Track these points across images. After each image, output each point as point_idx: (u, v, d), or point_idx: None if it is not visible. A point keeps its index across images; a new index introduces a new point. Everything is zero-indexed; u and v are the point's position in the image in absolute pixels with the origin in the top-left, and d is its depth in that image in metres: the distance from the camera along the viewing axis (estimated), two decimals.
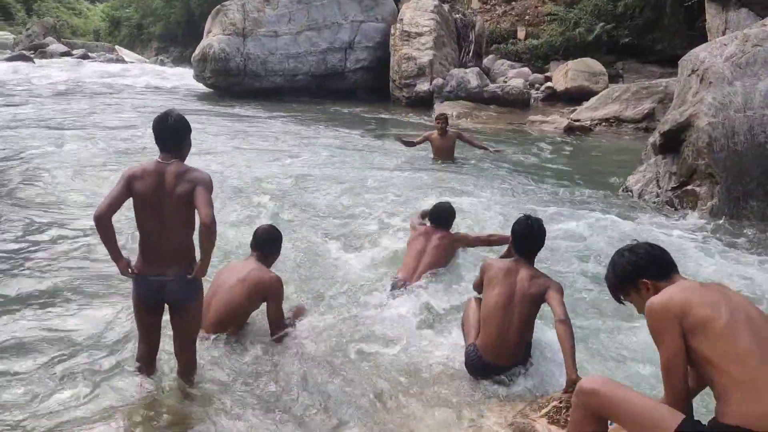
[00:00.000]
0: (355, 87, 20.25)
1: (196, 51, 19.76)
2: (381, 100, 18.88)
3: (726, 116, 7.44)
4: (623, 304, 2.80)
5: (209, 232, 3.19)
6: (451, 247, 5.33)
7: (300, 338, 4.15)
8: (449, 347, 4.13)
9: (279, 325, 4.12)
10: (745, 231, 6.79)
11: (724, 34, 9.60)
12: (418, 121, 15.54)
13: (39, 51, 33.92)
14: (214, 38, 19.24)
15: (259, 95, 18.76)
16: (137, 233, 3.43)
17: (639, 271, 2.64)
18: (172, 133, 3.40)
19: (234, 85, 19.31)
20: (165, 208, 3.31)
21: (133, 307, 3.50)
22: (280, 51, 19.36)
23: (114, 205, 3.26)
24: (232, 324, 4.07)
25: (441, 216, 5.36)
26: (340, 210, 7.31)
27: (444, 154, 10.01)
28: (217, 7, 20.12)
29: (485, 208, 7.33)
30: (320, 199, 7.69)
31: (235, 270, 4.21)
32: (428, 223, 5.44)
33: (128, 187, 3.31)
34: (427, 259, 5.11)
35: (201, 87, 20.30)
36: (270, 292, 4.10)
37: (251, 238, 4.42)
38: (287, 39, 19.44)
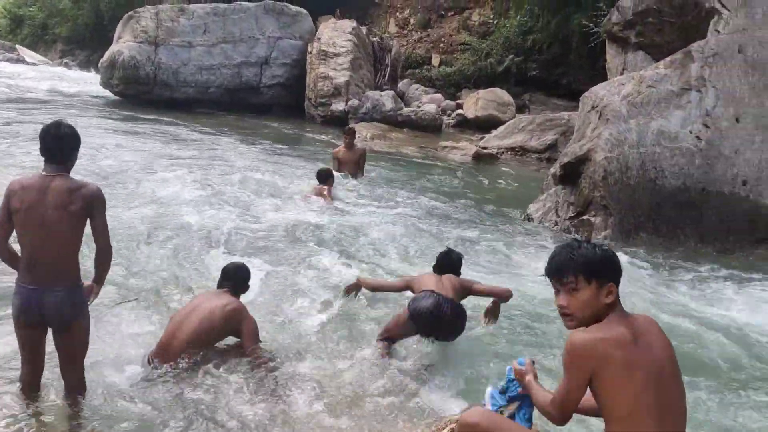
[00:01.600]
0: (270, 103, 20.07)
1: (105, 57, 19.08)
2: (296, 117, 18.82)
3: (621, 152, 7.90)
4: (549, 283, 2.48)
5: (107, 258, 3.34)
6: None
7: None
8: (357, 366, 4.14)
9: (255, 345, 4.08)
10: (634, 260, 7.19)
11: (622, 74, 10.20)
12: (330, 140, 15.57)
13: None
14: (124, 45, 18.63)
15: (169, 105, 18.26)
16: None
17: (611, 274, 2.37)
18: (61, 144, 3.27)
19: (143, 93, 18.73)
20: (49, 224, 3.16)
21: (14, 323, 3.30)
22: (194, 62, 18.97)
23: (4, 232, 3.23)
24: (202, 347, 3.98)
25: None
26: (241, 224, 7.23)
27: (349, 167, 10.10)
28: (130, 12, 19.52)
29: (390, 233, 7.46)
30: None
31: (212, 297, 4.16)
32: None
33: (8, 205, 3.17)
34: None
35: (107, 93, 19.57)
36: (244, 323, 4.06)
37: (222, 274, 4.34)
38: (201, 50, 19.08)
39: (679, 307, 5.85)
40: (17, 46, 39.63)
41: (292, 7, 20.68)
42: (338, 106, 18.17)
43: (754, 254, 7.67)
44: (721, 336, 5.16)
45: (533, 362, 2.79)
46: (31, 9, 45.22)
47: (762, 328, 5.46)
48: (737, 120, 8.09)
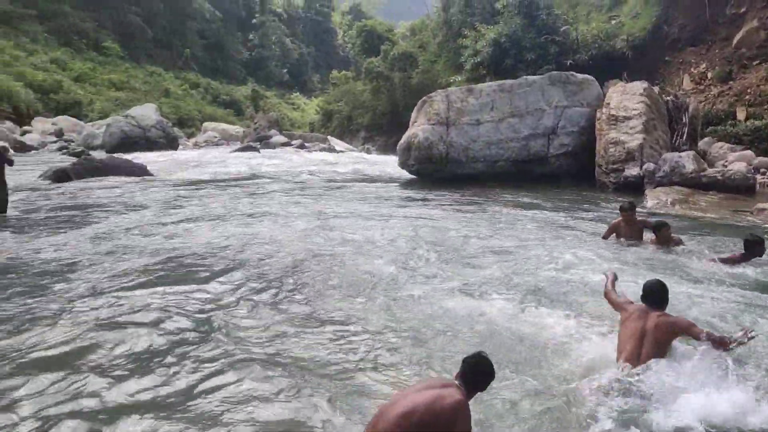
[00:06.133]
0: (557, 172, 19.89)
1: (402, 140, 20.73)
2: (585, 185, 18.32)
3: None
4: None
5: None
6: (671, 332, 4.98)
7: None
8: None
9: None
10: None
11: None
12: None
13: (263, 142, 37.98)
14: (419, 128, 20.13)
15: (459, 181, 19.13)
16: None
17: None
18: None
19: (436, 171, 19.91)
20: None
21: None
22: (482, 138, 19.69)
23: None
24: None
25: (655, 295, 5.20)
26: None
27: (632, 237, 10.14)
28: (424, 98, 21.13)
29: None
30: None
31: None
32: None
33: None
34: (648, 345, 4.83)
35: (403, 173, 21.21)
36: None
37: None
38: (489, 126, 19.76)
39: None
40: (328, 137, 45.50)
41: (578, 75, 20.53)
42: (632, 171, 17.25)
43: None
44: None
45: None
46: (339, 104, 51.88)
47: None
48: None
